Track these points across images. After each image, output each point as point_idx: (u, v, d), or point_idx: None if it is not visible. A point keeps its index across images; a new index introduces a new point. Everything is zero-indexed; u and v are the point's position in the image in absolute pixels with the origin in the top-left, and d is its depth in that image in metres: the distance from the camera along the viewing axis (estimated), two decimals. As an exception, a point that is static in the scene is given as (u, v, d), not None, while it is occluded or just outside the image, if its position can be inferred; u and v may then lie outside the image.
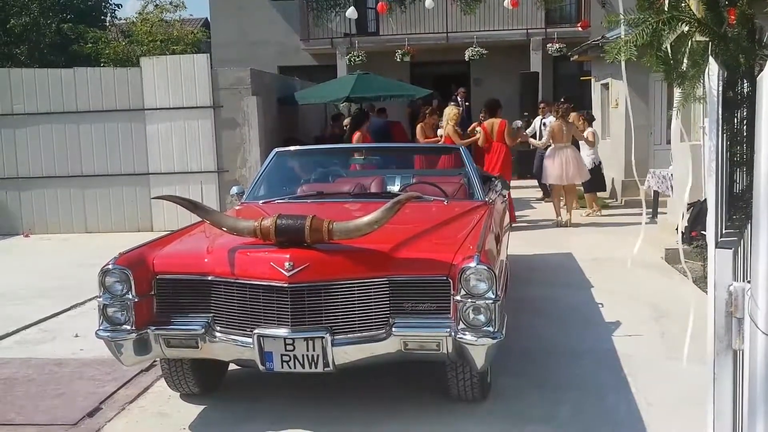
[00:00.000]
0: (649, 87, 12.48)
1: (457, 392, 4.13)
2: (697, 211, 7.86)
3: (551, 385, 4.48)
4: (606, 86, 14.02)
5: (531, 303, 6.21)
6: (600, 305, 6.24)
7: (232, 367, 4.64)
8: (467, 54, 18.30)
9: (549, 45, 18.16)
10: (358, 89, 12.36)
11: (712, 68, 1.64)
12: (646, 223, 10.26)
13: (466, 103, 17.34)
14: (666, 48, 1.67)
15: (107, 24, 23.65)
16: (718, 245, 1.64)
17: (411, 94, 13.49)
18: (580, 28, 18.66)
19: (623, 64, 1.86)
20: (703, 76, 1.67)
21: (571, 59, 16.04)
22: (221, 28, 20.86)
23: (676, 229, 8.20)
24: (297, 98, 12.66)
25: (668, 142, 12.05)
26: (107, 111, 11.23)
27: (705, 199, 7.63)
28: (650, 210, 10.96)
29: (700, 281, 6.96)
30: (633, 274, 7.40)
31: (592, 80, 15.28)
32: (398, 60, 18.51)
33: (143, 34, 20.60)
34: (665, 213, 10.00)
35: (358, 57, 18.44)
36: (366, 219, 3.75)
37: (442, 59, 19.81)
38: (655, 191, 11.01)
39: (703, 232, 7.44)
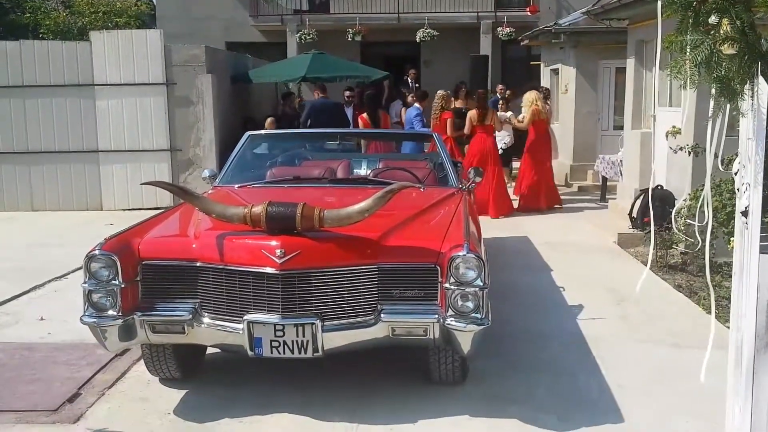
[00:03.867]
0: (598, 74, 12.80)
1: (438, 376, 4.25)
2: (649, 198, 8.16)
3: (524, 367, 4.65)
4: (555, 71, 14.30)
5: (495, 286, 6.33)
6: (561, 289, 6.45)
7: (209, 351, 4.67)
8: (418, 35, 18.37)
9: (499, 29, 18.38)
10: (314, 69, 12.28)
11: (762, 87, 1.76)
12: (596, 207, 10.63)
13: (416, 85, 17.42)
14: (717, 65, 1.78)
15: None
16: (762, 251, 1.78)
17: (367, 76, 13.48)
18: (529, 13, 19.00)
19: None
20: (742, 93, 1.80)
21: (522, 44, 16.28)
22: (166, 0, 20.38)
23: (629, 214, 8.52)
24: (251, 77, 12.51)
25: (615, 128, 12.45)
26: (55, 86, 10.93)
27: (657, 186, 7.92)
28: (599, 194, 11.33)
29: (652, 265, 7.27)
30: (588, 258, 7.67)
31: (542, 65, 15.57)
32: (349, 39, 18.47)
33: (84, 5, 19.97)
34: (615, 198, 10.31)
35: (308, 35, 18.31)
36: (357, 207, 3.81)
37: (393, 40, 19.84)
38: (603, 176, 11.37)
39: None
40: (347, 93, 11.93)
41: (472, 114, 10.37)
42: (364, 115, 11.04)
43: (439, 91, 11.04)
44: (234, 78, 12.29)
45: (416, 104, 11.09)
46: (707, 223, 2.26)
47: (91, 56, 10.91)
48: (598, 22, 10.56)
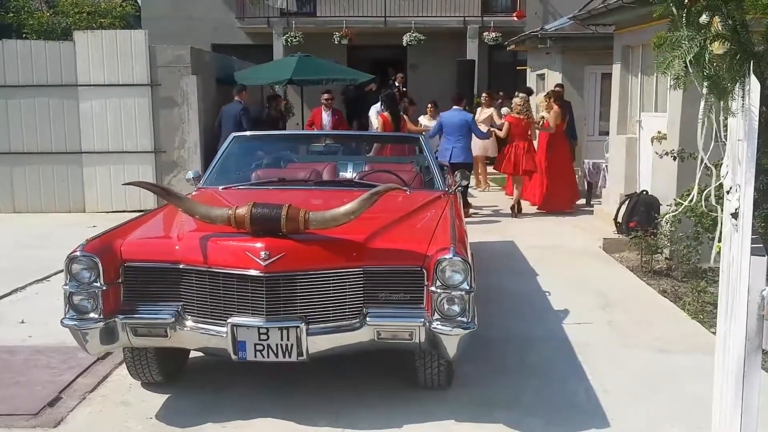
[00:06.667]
0: (585, 80, 12.86)
1: (424, 380, 4.22)
2: (634, 203, 8.18)
3: (511, 372, 4.63)
4: (542, 77, 14.33)
5: (482, 290, 6.30)
6: (547, 293, 6.43)
7: (192, 355, 4.61)
8: (405, 39, 18.38)
9: (485, 33, 18.42)
10: (300, 71, 12.24)
11: (753, 85, 1.74)
12: (581, 212, 10.63)
13: (404, 89, 17.41)
14: (708, 63, 1.77)
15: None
16: (753, 253, 1.76)
17: (353, 78, 13.44)
18: (515, 18, 19.06)
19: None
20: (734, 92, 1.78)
21: (508, 48, 16.32)
22: (152, 0, 20.24)
23: (614, 219, 8.54)
24: (237, 79, 12.43)
25: (601, 133, 12.49)
26: (38, 86, 10.77)
27: (643, 191, 7.94)
28: (584, 199, 11.34)
29: (637, 270, 7.29)
30: (574, 263, 7.67)
31: (528, 70, 15.61)
32: (336, 42, 18.44)
33: (69, 5, 19.86)
34: (600, 202, 10.34)
35: (295, 38, 18.27)
36: (342, 209, 3.78)
37: (380, 43, 19.81)
38: (588, 181, 11.39)
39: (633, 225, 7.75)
40: (325, 96, 11.72)
41: (556, 112, 10.56)
42: (386, 113, 10.89)
43: (523, 95, 10.97)
44: (219, 80, 12.21)
45: (456, 106, 10.44)
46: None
47: (75, 56, 10.78)
48: (585, 27, 10.61)
